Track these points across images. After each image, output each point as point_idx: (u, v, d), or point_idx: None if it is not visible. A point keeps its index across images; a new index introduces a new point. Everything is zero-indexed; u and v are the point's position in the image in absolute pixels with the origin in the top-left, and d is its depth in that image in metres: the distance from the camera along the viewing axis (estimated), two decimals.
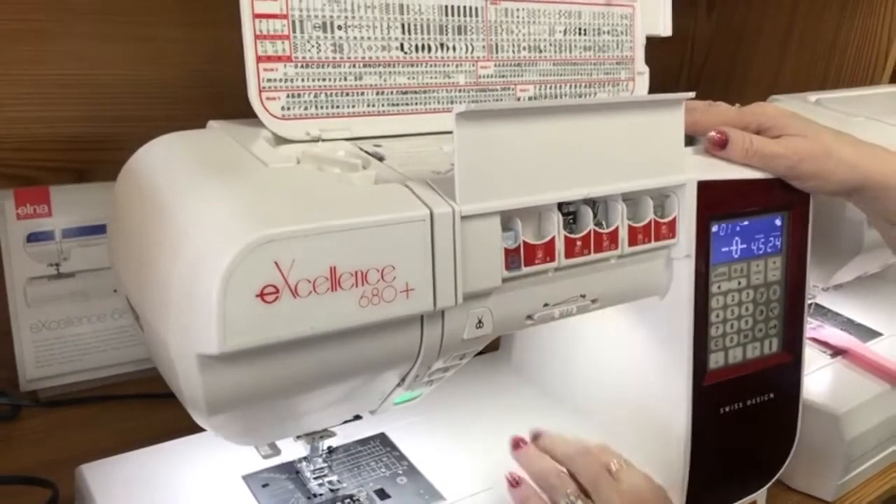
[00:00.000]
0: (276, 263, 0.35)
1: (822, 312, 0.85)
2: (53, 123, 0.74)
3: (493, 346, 0.74)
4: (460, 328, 0.43)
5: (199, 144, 0.44)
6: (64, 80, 0.74)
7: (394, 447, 0.56)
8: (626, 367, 0.58)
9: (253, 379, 0.37)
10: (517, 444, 0.55)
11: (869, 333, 0.81)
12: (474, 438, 0.59)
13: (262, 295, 0.35)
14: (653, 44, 0.63)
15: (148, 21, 0.75)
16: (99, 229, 0.73)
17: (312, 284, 0.36)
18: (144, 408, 0.72)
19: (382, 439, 0.57)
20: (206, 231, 0.35)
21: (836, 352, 0.77)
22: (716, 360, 0.54)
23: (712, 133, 0.54)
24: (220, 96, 0.78)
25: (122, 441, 0.58)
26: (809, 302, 0.83)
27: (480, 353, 0.74)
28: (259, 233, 0.34)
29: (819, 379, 0.73)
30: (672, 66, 1.19)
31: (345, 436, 0.56)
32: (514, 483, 0.52)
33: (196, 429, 0.55)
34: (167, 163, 0.41)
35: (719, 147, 0.54)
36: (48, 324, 0.71)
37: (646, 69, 0.63)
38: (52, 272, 0.71)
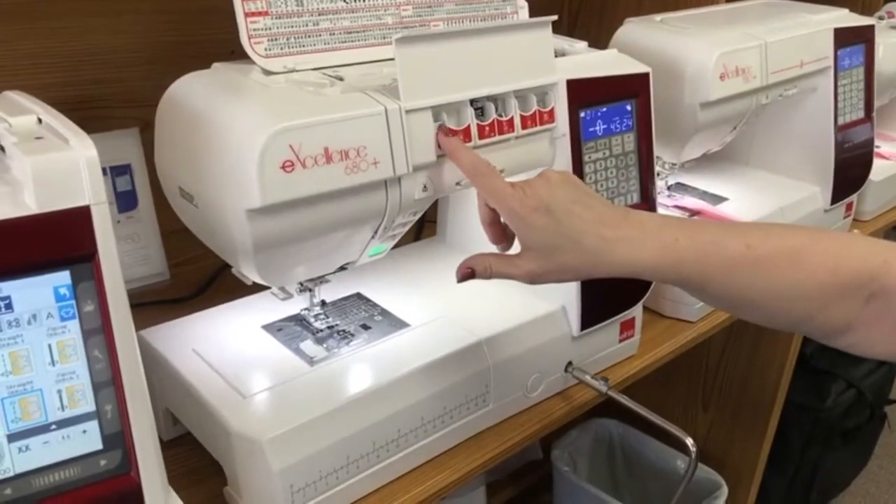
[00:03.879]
0: (290, 146, 0.53)
1: (683, 188, 1.08)
2: (46, 89, 0.88)
3: (432, 231, 0.93)
4: (412, 191, 0.62)
5: (218, 78, 0.61)
6: (52, 52, 0.88)
7: (368, 299, 0.76)
8: None
9: (282, 226, 0.55)
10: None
11: (719, 199, 1.05)
12: (426, 290, 0.79)
13: (284, 167, 0.53)
14: None
15: None
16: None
17: (315, 160, 0.54)
18: (153, 311, 0.89)
19: (359, 295, 0.77)
20: (243, 127, 0.53)
21: (693, 213, 1.00)
22: None
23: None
24: (176, 58, 0.93)
25: None
26: (672, 181, 1.06)
27: (423, 237, 0.95)
28: (279, 125, 0.52)
29: None
30: (556, 2, 1.39)
31: (331, 294, 0.75)
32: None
33: None
34: (200, 89, 0.59)
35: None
36: None
37: (525, 3, 0.82)
38: None
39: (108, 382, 0.47)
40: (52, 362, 0.45)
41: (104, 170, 0.89)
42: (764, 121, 1.10)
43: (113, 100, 0.91)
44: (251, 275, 0.59)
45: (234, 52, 0.63)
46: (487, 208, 0.62)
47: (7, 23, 0.83)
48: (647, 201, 0.79)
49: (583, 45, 0.81)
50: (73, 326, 0.46)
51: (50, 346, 0.45)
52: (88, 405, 0.46)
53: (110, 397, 0.47)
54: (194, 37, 0.94)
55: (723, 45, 0.88)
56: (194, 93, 0.59)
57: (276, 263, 0.58)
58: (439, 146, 0.62)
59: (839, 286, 0.54)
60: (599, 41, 0.89)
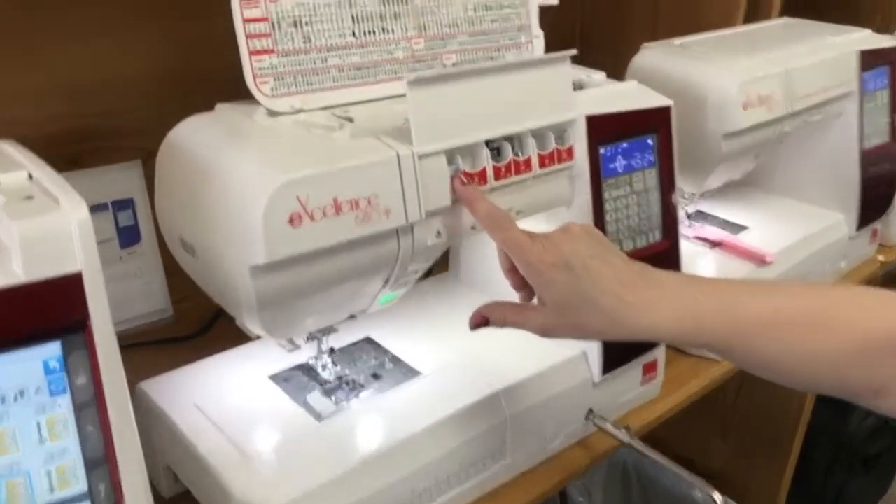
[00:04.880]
0: (298, 198, 0.50)
1: (703, 216, 1.04)
2: (44, 121, 0.85)
3: (444, 267, 0.90)
4: (425, 238, 0.59)
5: (220, 120, 0.58)
6: (52, 82, 0.85)
7: (378, 345, 0.73)
8: None
9: (288, 281, 0.52)
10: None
11: (739, 228, 1.01)
12: (437, 333, 0.75)
13: (290, 221, 0.50)
14: (549, 10, 0.78)
15: (119, 25, 0.86)
16: (99, 208, 0.85)
17: (323, 211, 0.51)
18: (155, 351, 0.86)
19: (369, 340, 0.73)
20: (248, 179, 0.50)
21: (714, 244, 0.97)
22: None
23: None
24: (183, 90, 0.90)
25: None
26: (692, 210, 1.02)
27: (434, 273, 0.91)
28: (286, 177, 0.49)
29: (701, 265, 0.92)
30: (567, 26, 1.36)
31: (340, 340, 0.71)
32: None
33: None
34: (202, 134, 0.56)
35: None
36: None
37: (540, 33, 0.78)
38: None
39: (101, 460, 0.44)
40: (41, 440, 0.42)
41: (105, 205, 0.87)
42: (786, 146, 1.07)
43: (116, 131, 0.88)
44: (255, 329, 0.56)
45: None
46: (507, 255, 0.59)
47: (5, 51, 0.80)
48: (670, 239, 0.76)
49: (601, 75, 0.78)
50: (64, 401, 0.43)
51: (38, 423, 0.42)
52: (80, 485, 0.43)
53: (103, 476, 0.44)
54: (202, 64, 0.91)
55: (745, 73, 0.84)
56: (195, 138, 0.56)
57: (281, 318, 0.55)
58: (454, 193, 0.59)
59: (870, 348, 0.51)
60: (613, 65, 0.86)
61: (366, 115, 0.61)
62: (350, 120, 0.60)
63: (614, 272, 0.55)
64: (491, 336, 0.72)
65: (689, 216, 1.01)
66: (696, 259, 0.94)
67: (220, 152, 0.53)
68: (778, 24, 1.12)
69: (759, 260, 0.93)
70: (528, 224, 0.71)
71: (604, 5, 1.32)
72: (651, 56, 0.91)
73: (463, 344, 0.73)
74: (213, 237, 0.52)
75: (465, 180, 0.59)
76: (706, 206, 1.05)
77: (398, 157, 0.55)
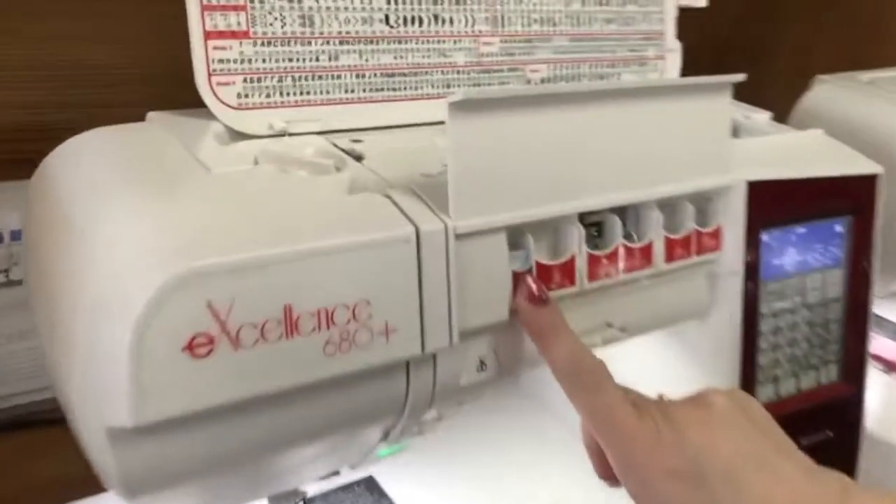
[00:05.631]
0: (208, 305, 0.26)
1: (875, 322, 0.76)
2: None
3: None
4: (456, 373, 0.34)
5: (128, 143, 0.35)
6: (7, 62, 0.65)
7: (382, 493, 0.48)
8: None
9: (183, 453, 0.28)
10: None
11: None
12: (477, 479, 0.50)
13: (190, 347, 0.26)
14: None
15: None
16: None
17: (260, 330, 0.27)
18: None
19: (369, 484, 0.49)
20: (118, 262, 0.26)
21: (890, 366, 0.69)
22: (765, 394, 0.46)
23: None
24: (174, 83, 0.69)
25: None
26: None
27: None
28: (185, 264, 0.26)
29: (875, 400, 0.64)
30: (692, 37, 1.10)
31: (324, 481, 0.47)
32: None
33: None
34: (84, 166, 0.33)
35: None
36: None
37: (678, 45, 0.54)
38: (0, 279, 0.63)
39: None
40: None
41: None
42: None
43: (83, 130, 0.68)
44: None
45: None
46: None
47: None
48: (854, 381, 0.49)
49: (764, 116, 0.52)
50: None
51: None
52: None
53: None
54: None
55: None
56: (74, 171, 0.33)
57: (176, 502, 0.32)
58: (515, 308, 0.34)
59: None
60: (751, 97, 0.60)
61: (386, 151, 0.38)
62: (358, 157, 0.37)
63: (785, 491, 0.30)
64: (553, 484, 0.48)
65: None
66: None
67: (96, 204, 0.29)
68: None
69: None
70: (638, 342, 0.45)
71: (747, 14, 1.04)
72: (829, 94, 0.64)
73: (521, 497, 0.48)
74: (61, 356, 0.29)
75: (539, 292, 0.34)
76: (878, 306, 0.77)
77: (417, 234, 0.30)
